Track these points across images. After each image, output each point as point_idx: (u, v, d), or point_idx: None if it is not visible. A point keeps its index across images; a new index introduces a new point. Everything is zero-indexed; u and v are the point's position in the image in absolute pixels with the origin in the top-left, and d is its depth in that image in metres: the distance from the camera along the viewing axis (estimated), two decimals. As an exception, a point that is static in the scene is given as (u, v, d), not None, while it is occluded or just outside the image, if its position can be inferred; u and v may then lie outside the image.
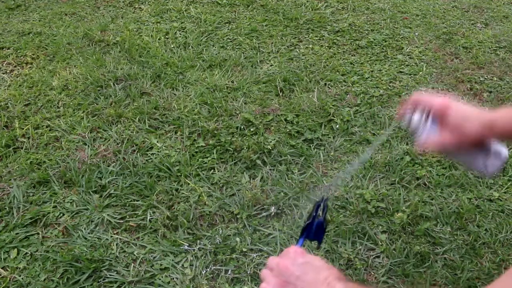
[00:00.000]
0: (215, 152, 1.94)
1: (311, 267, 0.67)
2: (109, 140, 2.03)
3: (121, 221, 1.65)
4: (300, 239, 0.80)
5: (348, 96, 2.34)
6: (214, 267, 1.49)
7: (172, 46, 2.77)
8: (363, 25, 3.06)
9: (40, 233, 1.61)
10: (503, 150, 0.79)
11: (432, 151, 0.82)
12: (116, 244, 1.56)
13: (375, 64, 2.64)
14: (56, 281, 1.45)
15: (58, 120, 2.15)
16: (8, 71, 2.54)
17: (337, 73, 2.54)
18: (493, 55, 2.74)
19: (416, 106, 0.82)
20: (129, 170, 1.85)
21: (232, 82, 2.44)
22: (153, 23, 3.04)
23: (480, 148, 0.79)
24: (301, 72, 2.52)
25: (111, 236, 1.59)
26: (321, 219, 0.83)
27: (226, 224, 1.64)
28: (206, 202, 1.72)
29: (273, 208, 1.68)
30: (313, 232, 0.84)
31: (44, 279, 1.45)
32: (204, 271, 1.48)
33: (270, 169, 1.87)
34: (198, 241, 1.57)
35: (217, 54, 2.68)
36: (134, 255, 1.53)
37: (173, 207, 1.71)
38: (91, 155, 1.95)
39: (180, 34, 2.91)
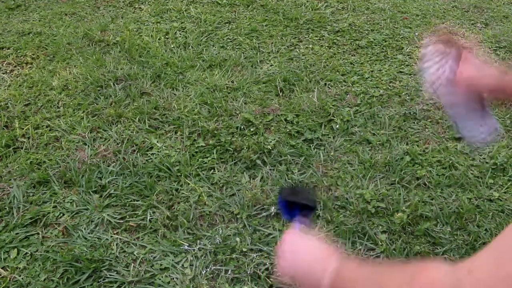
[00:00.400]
0: (215, 152, 1.94)
1: (302, 254, 0.71)
2: (109, 140, 2.03)
3: (121, 221, 1.65)
4: (296, 223, 0.80)
5: (348, 96, 2.34)
6: (214, 267, 1.49)
7: (172, 46, 2.77)
8: (363, 25, 3.06)
9: (40, 233, 1.61)
10: (498, 124, 0.81)
11: (441, 95, 0.81)
12: (116, 244, 1.56)
13: (375, 64, 2.64)
14: (56, 281, 1.45)
15: (58, 120, 2.15)
16: (8, 71, 2.54)
17: (337, 73, 2.54)
18: (493, 55, 2.74)
19: (443, 43, 0.83)
20: (129, 170, 1.85)
21: (232, 82, 2.44)
22: (153, 23, 3.04)
23: (480, 110, 0.80)
24: (301, 72, 2.52)
25: (111, 236, 1.59)
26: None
27: (226, 224, 1.64)
28: (206, 202, 1.72)
29: (273, 208, 1.68)
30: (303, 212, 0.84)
31: (44, 279, 1.45)
32: (204, 271, 1.48)
33: (270, 169, 1.87)
34: (198, 241, 1.57)
35: (217, 54, 2.68)
36: (134, 255, 1.53)
37: (173, 207, 1.71)
38: (91, 155, 1.95)
39: (180, 34, 2.91)
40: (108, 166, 1.88)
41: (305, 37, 2.90)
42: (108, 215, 1.67)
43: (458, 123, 0.83)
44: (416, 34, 2.98)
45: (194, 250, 1.55)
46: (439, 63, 0.81)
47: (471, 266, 0.45)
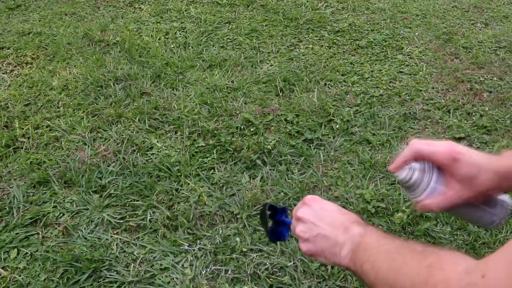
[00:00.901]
0: (215, 152, 1.94)
1: (326, 212, 0.69)
2: (109, 140, 2.03)
3: (121, 221, 1.65)
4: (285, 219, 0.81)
5: (348, 96, 2.34)
6: (214, 267, 1.49)
7: (172, 46, 2.77)
8: (363, 25, 3.06)
9: (40, 233, 1.61)
10: (506, 198, 0.70)
11: (437, 210, 0.67)
12: (116, 244, 1.56)
13: (375, 64, 2.64)
14: (56, 281, 1.45)
15: (58, 120, 2.16)
16: (8, 71, 2.54)
17: (337, 73, 2.54)
18: (493, 55, 2.74)
19: (416, 159, 0.69)
20: (129, 170, 1.85)
21: (232, 82, 2.44)
22: (153, 23, 3.04)
23: (485, 201, 0.69)
24: (301, 72, 2.52)
25: (111, 236, 1.59)
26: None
27: (226, 224, 1.64)
28: (206, 202, 1.72)
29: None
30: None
31: (44, 279, 1.45)
32: (204, 271, 1.48)
33: (270, 169, 1.87)
34: (198, 241, 1.57)
35: (217, 54, 2.68)
36: (134, 255, 1.53)
37: (173, 207, 1.71)
38: (91, 155, 1.95)
39: (180, 34, 2.91)
40: (108, 166, 1.88)
41: (305, 37, 2.90)
42: (108, 215, 1.67)
43: (467, 218, 0.74)
44: (416, 34, 2.98)
45: (194, 250, 1.55)
46: (428, 187, 0.67)
47: (485, 270, 0.45)
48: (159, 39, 2.83)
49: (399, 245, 0.58)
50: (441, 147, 0.66)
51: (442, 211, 0.70)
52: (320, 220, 0.68)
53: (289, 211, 0.84)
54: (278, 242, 1.52)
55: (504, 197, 0.71)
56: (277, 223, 0.85)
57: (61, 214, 1.68)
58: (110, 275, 1.47)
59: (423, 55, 2.74)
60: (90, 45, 2.77)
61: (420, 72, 2.56)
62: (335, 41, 2.87)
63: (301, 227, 0.70)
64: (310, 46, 2.81)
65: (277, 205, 0.85)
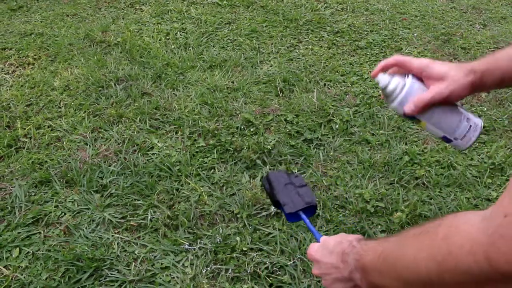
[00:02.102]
0: (215, 152, 1.96)
1: (323, 260, 0.71)
2: (110, 140, 2.05)
3: (122, 221, 1.66)
4: (316, 238, 0.81)
5: (347, 96, 2.36)
6: (215, 266, 1.51)
7: (172, 46, 2.79)
8: (362, 26, 3.07)
9: (42, 232, 1.62)
10: (479, 120, 0.75)
11: (417, 110, 0.73)
12: (117, 243, 1.58)
13: (374, 65, 2.65)
14: (57, 280, 1.46)
15: (60, 120, 2.17)
16: (10, 72, 2.55)
17: (337, 73, 2.55)
18: (492, 56, 2.76)
19: (395, 68, 0.77)
20: (130, 170, 1.87)
21: (232, 82, 2.46)
22: (154, 24, 3.06)
23: (456, 111, 0.75)
24: (300, 73, 2.53)
25: (112, 236, 1.61)
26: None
27: (226, 224, 1.66)
28: (207, 202, 1.73)
29: (273, 207, 1.69)
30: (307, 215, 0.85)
31: (46, 278, 1.47)
32: (205, 270, 1.49)
33: (270, 169, 1.88)
34: (199, 240, 1.59)
35: (217, 55, 2.69)
36: (135, 254, 1.55)
37: (173, 207, 1.72)
38: (92, 155, 1.96)
39: (180, 35, 2.93)
40: (109, 166, 1.90)
41: (305, 38, 2.92)
42: (109, 214, 1.68)
43: (442, 129, 0.76)
44: (415, 35, 2.99)
45: (194, 249, 1.56)
46: (406, 89, 0.73)
47: (504, 210, 0.42)
48: (159, 40, 2.84)
49: (397, 242, 0.56)
50: (417, 58, 0.75)
51: (421, 114, 0.74)
52: (325, 271, 0.71)
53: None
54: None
55: (478, 119, 0.75)
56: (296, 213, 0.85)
57: (63, 214, 1.69)
58: (111, 274, 1.48)
59: (422, 55, 2.76)
60: (92, 45, 2.78)
61: (419, 73, 2.57)
62: (334, 41, 2.88)
63: (323, 278, 0.73)
64: (310, 46, 2.82)
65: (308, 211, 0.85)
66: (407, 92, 0.72)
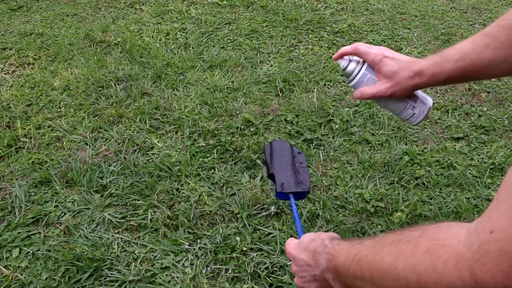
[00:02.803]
0: (215, 152, 1.96)
1: (297, 256, 0.72)
2: (110, 140, 2.05)
3: (122, 221, 1.66)
4: (299, 233, 0.82)
5: (347, 96, 2.36)
6: (215, 266, 1.51)
7: (172, 46, 2.79)
8: (362, 26, 3.07)
9: (42, 232, 1.62)
10: (428, 99, 0.85)
11: (367, 99, 0.85)
12: (117, 243, 1.58)
13: (375, 65, 2.65)
14: (57, 280, 1.46)
15: (60, 120, 2.17)
16: (10, 72, 2.55)
17: (337, 73, 2.55)
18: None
19: (354, 55, 0.86)
20: (130, 170, 1.87)
21: (232, 82, 2.46)
22: (154, 24, 3.06)
23: (409, 97, 0.84)
24: (300, 73, 2.53)
25: (112, 236, 1.61)
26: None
27: (226, 224, 1.66)
28: (207, 202, 1.73)
29: (273, 207, 1.70)
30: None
31: (46, 278, 1.47)
32: (205, 270, 1.49)
33: (270, 169, 1.88)
34: (199, 240, 1.59)
35: (217, 55, 2.69)
36: (135, 254, 1.55)
37: (173, 207, 1.72)
38: (92, 155, 1.96)
39: (180, 35, 2.93)
40: (109, 166, 1.90)
41: (305, 38, 2.92)
42: (109, 214, 1.68)
43: (392, 110, 0.87)
44: (415, 35, 2.99)
45: (194, 249, 1.56)
46: (360, 79, 0.84)
47: (491, 225, 0.41)
48: (159, 40, 2.85)
49: (373, 246, 0.55)
50: (374, 49, 0.84)
51: (371, 99, 0.85)
52: (300, 268, 0.72)
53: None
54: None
55: (428, 98, 0.86)
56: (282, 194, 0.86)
57: (63, 214, 1.69)
58: (111, 274, 1.48)
59: (422, 55, 2.76)
60: (91, 45, 2.79)
61: (419, 73, 2.57)
62: (334, 41, 2.88)
63: (297, 274, 0.75)
64: (310, 46, 2.82)
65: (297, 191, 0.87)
66: (358, 80, 0.84)
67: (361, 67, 0.83)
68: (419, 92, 0.86)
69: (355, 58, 0.86)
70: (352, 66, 0.84)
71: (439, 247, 0.45)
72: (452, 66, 0.75)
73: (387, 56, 0.81)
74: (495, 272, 0.40)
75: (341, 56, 0.87)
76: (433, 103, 0.93)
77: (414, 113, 0.84)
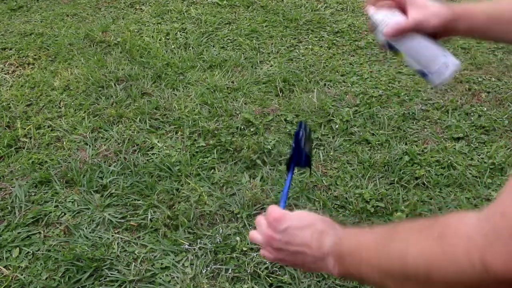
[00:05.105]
0: (215, 152, 1.96)
1: (295, 229, 0.65)
2: (110, 140, 2.05)
3: (122, 221, 1.67)
4: (281, 202, 0.79)
5: (347, 96, 2.36)
6: (215, 266, 1.51)
7: (172, 46, 2.79)
8: (362, 26, 3.07)
9: (42, 232, 1.62)
10: (456, 61, 0.77)
11: (399, 33, 0.76)
12: (117, 243, 1.58)
13: (374, 65, 2.65)
14: (57, 280, 1.46)
15: (60, 120, 2.17)
16: (10, 72, 2.56)
17: (337, 73, 2.55)
18: (491, 56, 2.76)
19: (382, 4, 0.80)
20: (130, 170, 1.87)
21: (232, 82, 2.46)
22: (154, 24, 3.06)
23: (436, 44, 0.77)
24: (300, 73, 2.53)
25: (112, 236, 1.61)
26: (302, 148, 0.82)
27: (226, 224, 1.66)
28: (207, 202, 1.73)
29: (273, 207, 1.69)
30: (303, 160, 0.82)
31: (46, 278, 1.47)
32: (205, 270, 1.49)
33: (270, 169, 1.88)
34: (199, 240, 1.59)
35: (217, 55, 2.69)
36: (135, 254, 1.55)
37: (173, 207, 1.72)
38: (92, 155, 1.96)
39: (180, 35, 2.93)
40: (109, 166, 1.90)
41: (305, 38, 2.92)
42: (109, 214, 1.68)
43: (420, 60, 0.79)
44: None
45: (194, 249, 1.56)
46: (391, 17, 0.78)
47: (501, 209, 0.41)
48: (159, 40, 2.85)
49: (384, 233, 0.54)
50: None
51: (401, 40, 0.76)
52: (291, 241, 0.64)
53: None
54: None
55: (454, 59, 0.77)
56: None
57: (63, 214, 1.69)
58: (111, 274, 1.48)
59: None
60: (91, 45, 2.79)
61: (419, 73, 2.57)
62: (334, 41, 2.88)
63: (275, 244, 0.67)
64: (310, 46, 2.82)
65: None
66: (391, 22, 0.77)
67: (393, 12, 0.78)
68: (446, 51, 0.77)
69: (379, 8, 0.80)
70: (383, 12, 0.78)
71: (449, 233, 0.44)
72: (482, 20, 0.72)
73: None
74: (506, 257, 0.39)
75: (374, 3, 0.80)
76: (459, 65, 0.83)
77: (447, 62, 0.74)
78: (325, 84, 2.46)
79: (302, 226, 0.64)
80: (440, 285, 0.45)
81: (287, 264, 0.67)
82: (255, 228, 0.74)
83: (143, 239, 1.60)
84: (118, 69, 2.53)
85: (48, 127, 2.13)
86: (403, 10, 0.78)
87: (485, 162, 1.95)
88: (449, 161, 1.94)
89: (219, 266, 1.51)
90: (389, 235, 0.53)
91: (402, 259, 0.48)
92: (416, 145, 2.04)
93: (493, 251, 0.40)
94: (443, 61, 0.75)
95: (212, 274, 1.49)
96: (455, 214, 0.46)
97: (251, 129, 2.10)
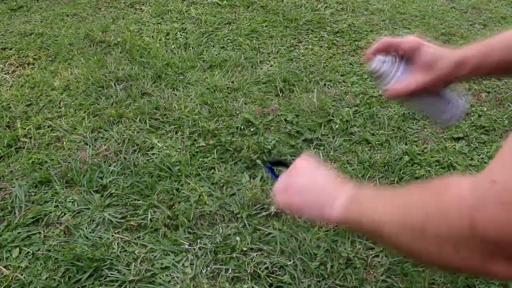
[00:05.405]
0: (215, 152, 1.96)
1: (318, 171, 0.69)
2: (110, 140, 2.05)
3: (122, 221, 1.67)
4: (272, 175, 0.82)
5: (347, 96, 2.36)
6: (215, 266, 1.51)
7: (172, 46, 2.79)
8: (362, 26, 3.07)
9: (42, 232, 1.62)
10: (464, 101, 0.77)
11: (401, 97, 0.75)
12: (117, 243, 1.58)
13: (375, 65, 2.65)
14: (57, 280, 1.46)
15: (60, 120, 2.17)
16: (10, 72, 2.56)
17: (337, 73, 2.55)
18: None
19: (386, 50, 0.76)
20: (130, 170, 1.87)
21: (232, 82, 2.46)
22: (154, 24, 3.06)
23: (443, 95, 0.76)
24: (300, 73, 2.53)
25: (112, 236, 1.61)
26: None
27: (226, 224, 1.66)
28: (207, 202, 1.73)
29: (273, 207, 1.70)
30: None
31: (46, 278, 1.47)
32: (205, 270, 1.49)
33: (270, 169, 1.88)
34: (199, 240, 1.59)
35: (217, 55, 2.69)
36: (135, 254, 1.55)
37: (173, 207, 1.72)
38: (92, 155, 1.96)
39: (180, 35, 2.93)
40: (109, 166, 1.90)
41: (305, 38, 2.92)
42: (109, 214, 1.68)
43: (425, 110, 0.80)
44: (415, 35, 2.99)
45: (194, 249, 1.56)
46: (396, 74, 0.74)
47: (493, 176, 0.43)
48: (159, 40, 2.85)
49: (397, 189, 0.58)
50: (407, 38, 0.76)
51: (407, 99, 0.76)
52: (312, 175, 0.69)
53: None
54: None
55: (461, 100, 0.76)
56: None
57: (63, 214, 1.69)
58: (111, 274, 1.48)
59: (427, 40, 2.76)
60: (91, 45, 2.79)
61: (419, 73, 2.57)
62: (334, 41, 2.88)
63: (293, 179, 0.71)
64: (310, 46, 2.82)
65: (277, 159, 0.88)
66: (396, 79, 0.74)
67: (397, 69, 0.73)
68: (452, 93, 0.76)
69: (386, 57, 0.76)
70: (385, 67, 0.74)
71: (446, 191, 0.47)
72: (499, 55, 0.68)
73: (424, 44, 0.73)
74: (492, 221, 0.41)
75: (372, 57, 0.77)
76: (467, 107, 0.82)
77: (453, 114, 0.75)
78: (325, 84, 2.46)
79: (316, 169, 0.69)
80: (432, 239, 0.47)
81: (297, 207, 0.69)
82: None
83: (143, 239, 1.60)
84: (118, 69, 2.53)
85: (48, 127, 2.13)
86: (408, 57, 0.75)
87: (485, 162, 1.95)
88: (449, 161, 1.94)
89: (219, 266, 1.51)
90: (398, 191, 0.57)
91: (404, 211, 0.51)
92: (416, 145, 2.04)
93: (481, 214, 0.42)
94: (449, 115, 0.75)
95: (212, 274, 1.49)
96: (455, 176, 0.49)
97: (251, 129, 2.10)
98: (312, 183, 0.68)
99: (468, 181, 0.46)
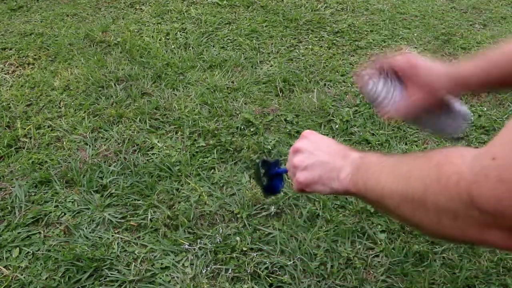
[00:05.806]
0: (215, 152, 1.96)
1: (324, 141, 0.70)
2: (110, 140, 2.05)
3: (122, 221, 1.67)
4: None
5: (347, 96, 2.36)
6: (215, 266, 1.51)
7: (172, 46, 2.79)
8: (362, 26, 3.07)
9: (42, 232, 1.62)
10: (466, 110, 0.75)
11: (400, 118, 0.74)
12: (117, 243, 1.58)
13: (375, 65, 2.65)
14: (57, 280, 1.46)
15: (60, 120, 2.17)
16: (10, 72, 2.56)
17: (337, 73, 2.55)
18: (492, 56, 2.76)
19: (378, 70, 0.74)
20: (130, 170, 1.87)
21: (232, 82, 2.46)
22: (154, 24, 3.06)
23: (445, 109, 0.74)
24: (300, 73, 2.53)
25: (112, 236, 1.61)
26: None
27: (226, 224, 1.66)
28: (207, 202, 1.73)
29: (273, 207, 1.70)
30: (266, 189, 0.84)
31: (46, 278, 1.47)
32: (205, 270, 1.49)
33: (270, 169, 1.88)
34: (199, 240, 1.59)
35: (217, 55, 2.69)
36: (135, 254, 1.55)
37: (173, 207, 1.72)
38: (92, 155, 1.96)
39: (180, 35, 2.93)
40: (109, 166, 1.90)
41: (305, 38, 2.92)
42: (109, 214, 1.68)
43: (427, 127, 0.78)
44: (415, 35, 2.99)
45: (194, 249, 1.56)
46: (392, 96, 0.72)
47: (494, 152, 0.44)
48: (159, 40, 2.85)
49: (400, 157, 0.59)
50: (400, 57, 0.75)
51: (406, 119, 0.75)
52: (318, 149, 0.70)
53: (283, 163, 0.85)
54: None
55: (464, 109, 0.75)
56: (271, 177, 0.84)
57: (63, 214, 1.69)
58: (111, 274, 1.48)
59: (422, 55, 2.75)
60: (91, 45, 2.79)
61: (419, 73, 2.57)
62: (334, 41, 2.88)
63: (298, 157, 0.71)
64: (310, 46, 2.82)
65: (270, 159, 0.86)
66: (391, 103, 0.73)
67: (393, 90, 0.72)
68: (456, 104, 0.75)
69: (379, 79, 0.73)
70: (379, 88, 0.72)
71: (446, 163, 0.48)
72: (496, 77, 0.67)
73: (418, 61, 0.72)
74: (490, 196, 0.42)
75: (366, 80, 0.76)
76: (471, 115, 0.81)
77: (454, 129, 0.74)
78: (325, 84, 2.46)
79: (336, 142, 0.71)
80: (433, 210, 0.48)
81: (307, 178, 0.69)
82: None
83: (143, 239, 1.60)
84: (118, 69, 2.53)
85: (48, 127, 2.13)
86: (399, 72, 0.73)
87: (485, 162, 1.95)
88: (449, 161, 1.94)
89: (219, 266, 1.51)
90: (401, 160, 0.58)
91: (406, 180, 0.52)
92: (416, 145, 2.04)
93: (479, 189, 0.43)
94: (449, 131, 0.75)
95: (212, 274, 1.49)
96: (457, 148, 0.50)
97: (251, 129, 2.10)
98: (322, 156, 0.68)
99: (468, 155, 0.46)
